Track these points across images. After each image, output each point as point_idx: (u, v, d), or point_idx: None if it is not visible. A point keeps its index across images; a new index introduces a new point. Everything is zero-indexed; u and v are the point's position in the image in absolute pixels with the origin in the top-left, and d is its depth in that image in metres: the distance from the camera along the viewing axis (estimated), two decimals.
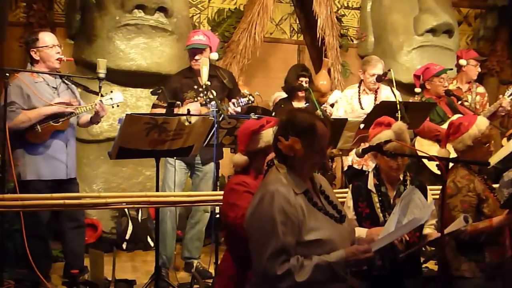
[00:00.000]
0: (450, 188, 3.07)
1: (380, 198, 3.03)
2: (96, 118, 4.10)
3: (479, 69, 5.63)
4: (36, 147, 3.91)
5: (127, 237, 5.27)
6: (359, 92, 5.10)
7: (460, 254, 3.04)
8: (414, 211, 2.49)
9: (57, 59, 4.02)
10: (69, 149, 4.03)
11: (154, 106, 4.41)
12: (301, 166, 2.27)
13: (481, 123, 3.17)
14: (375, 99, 5.04)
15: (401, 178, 3.09)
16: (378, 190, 3.05)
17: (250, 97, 4.32)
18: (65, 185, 3.98)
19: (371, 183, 3.08)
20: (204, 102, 4.33)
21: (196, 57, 4.41)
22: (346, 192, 3.53)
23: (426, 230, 3.06)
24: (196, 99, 4.36)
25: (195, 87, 4.41)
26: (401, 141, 2.94)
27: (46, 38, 4.02)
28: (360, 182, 3.15)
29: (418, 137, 5.11)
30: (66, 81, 4.11)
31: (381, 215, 3.00)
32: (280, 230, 2.12)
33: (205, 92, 4.11)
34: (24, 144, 3.91)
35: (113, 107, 4.09)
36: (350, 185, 3.19)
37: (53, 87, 4.04)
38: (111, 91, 4.15)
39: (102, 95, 4.02)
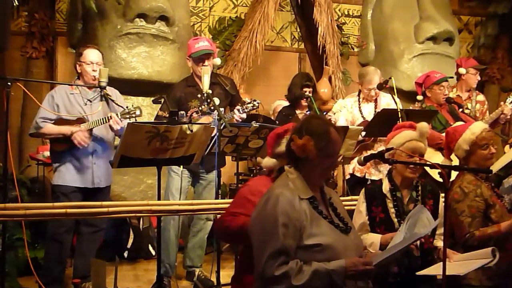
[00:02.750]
0: (457, 194, 3.06)
1: (395, 204, 3.01)
2: (112, 131, 4.19)
3: (479, 78, 5.63)
4: (61, 154, 4.08)
5: (129, 245, 5.26)
6: (359, 101, 5.11)
7: None
8: (421, 230, 2.47)
9: (92, 76, 4.12)
10: (95, 159, 4.13)
11: (158, 117, 4.36)
12: (312, 170, 2.29)
13: (475, 127, 3.18)
14: (375, 107, 5.05)
15: (413, 184, 3.07)
16: (393, 195, 3.03)
17: (255, 103, 4.32)
18: (93, 195, 4.10)
19: (386, 187, 3.06)
20: (207, 111, 4.33)
21: (206, 63, 4.36)
22: (348, 201, 3.53)
23: (439, 243, 3.02)
24: (200, 108, 4.35)
25: (199, 95, 4.39)
26: (422, 141, 3.00)
27: (89, 54, 4.16)
28: (374, 186, 3.13)
29: None
30: (104, 95, 4.16)
31: (395, 220, 2.99)
32: (280, 232, 2.14)
33: (208, 101, 4.11)
34: (52, 152, 4.18)
35: (130, 120, 4.11)
36: (363, 189, 3.15)
37: (88, 100, 4.15)
38: (132, 105, 4.25)
39: (123, 108, 4.11)
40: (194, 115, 4.30)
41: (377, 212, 3.01)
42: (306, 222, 2.19)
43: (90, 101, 4.16)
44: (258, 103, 4.35)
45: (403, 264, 2.89)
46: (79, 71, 4.18)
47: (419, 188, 3.07)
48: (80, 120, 4.04)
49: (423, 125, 3.05)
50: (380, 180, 3.15)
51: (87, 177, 4.10)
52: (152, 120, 4.62)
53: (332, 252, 2.18)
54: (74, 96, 4.15)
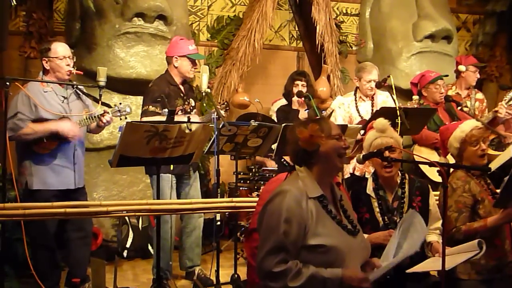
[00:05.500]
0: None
1: (379, 202, 3.05)
2: (96, 128, 4.17)
3: (478, 75, 5.64)
4: (42, 157, 3.93)
5: (128, 245, 5.26)
6: (355, 100, 5.10)
7: None
8: (414, 236, 2.46)
9: (66, 71, 4.03)
10: (76, 159, 4.04)
11: (151, 113, 4.25)
12: (324, 163, 2.29)
13: (466, 125, 3.20)
14: (372, 105, 5.05)
15: (398, 181, 3.10)
16: (377, 194, 3.07)
17: (227, 104, 4.63)
18: (73, 195, 4.00)
19: (370, 188, 3.10)
20: (188, 110, 4.38)
21: (196, 66, 4.46)
22: None
23: (431, 237, 3.06)
24: (183, 107, 4.38)
25: (181, 94, 4.43)
26: (386, 136, 3.04)
27: (59, 48, 4.04)
28: (359, 188, 3.17)
29: (416, 145, 5.12)
30: (78, 91, 4.11)
31: (380, 219, 3.03)
32: (282, 228, 2.14)
33: (205, 99, 4.15)
34: (31, 154, 3.93)
35: (120, 118, 4.10)
36: (350, 192, 3.20)
37: (63, 97, 4.05)
38: (120, 103, 4.18)
39: (110, 106, 4.06)
40: (179, 113, 4.30)
41: (363, 212, 3.05)
42: (311, 222, 2.18)
43: (66, 98, 4.05)
44: (228, 103, 4.63)
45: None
46: (47, 67, 4.02)
47: (405, 185, 3.09)
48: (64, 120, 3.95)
49: (378, 121, 3.13)
50: (366, 181, 3.17)
51: (69, 178, 4.00)
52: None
53: (337, 254, 2.17)
54: (49, 94, 3.99)
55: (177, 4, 5.68)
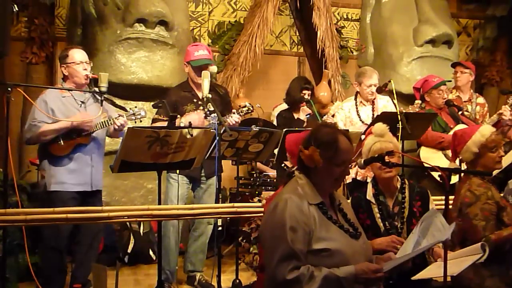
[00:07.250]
0: (468, 197, 3.01)
1: (379, 208, 3.05)
2: (113, 132, 4.21)
3: (471, 78, 5.68)
4: (59, 160, 4.01)
5: (129, 250, 5.25)
6: (356, 105, 5.11)
7: (482, 269, 2.91)
8: (435, 234, 2.42)
9: (84, 76, 4.08)
10: (94, 162, 4.10)
11: (154, 120, 4.38)
12: (322, 179, 2.31)
13: (485, 129, 3.14)
14: (373, 110, 5.05)
15: (398, 186, 3.09)
16: (377, 200, 3.06)
17: (249, 106, 4.36)
18: (90, 198, 4.07)
19: (370, 193, 3.09)
20: (204, 115, 4.34)
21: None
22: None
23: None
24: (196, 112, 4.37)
25: (195, 100, 4.43)
26: (385, 140, 3.03)
27: (76, 55, 4.12)
28: (359, 194, 3.16)
29: (422, 146, 5.12)
30: (97, 96, 4.14)
31: (381, 224, 3.02)
32: (289, 236, 2.15)
33: (206, 105, 4.13)
34: (48, 156, 4.03)
35: (135, 122, 4.11)
36: (350, 198, 3.20)
37: (81, 101, 4.11)
38: (135, 107, 4.20)
39: (126, 110, 4.10)
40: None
41: (364, 218, 3.03)
42: (314, 227, 2.20)
43: (84, 103, 4.11)
44: (252, 106, 4.37)
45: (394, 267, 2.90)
46: (66, 73, 4.11)
47: (405, 190, 3.08)
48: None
49: (377, 126, 3.12)
50: (366, 186, 3.17)
51: (86, 180, 4.06)
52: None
53: (341, 257, 2.19)
54: (67, 99, 4.07)
55: (178, 10, 5.70)
